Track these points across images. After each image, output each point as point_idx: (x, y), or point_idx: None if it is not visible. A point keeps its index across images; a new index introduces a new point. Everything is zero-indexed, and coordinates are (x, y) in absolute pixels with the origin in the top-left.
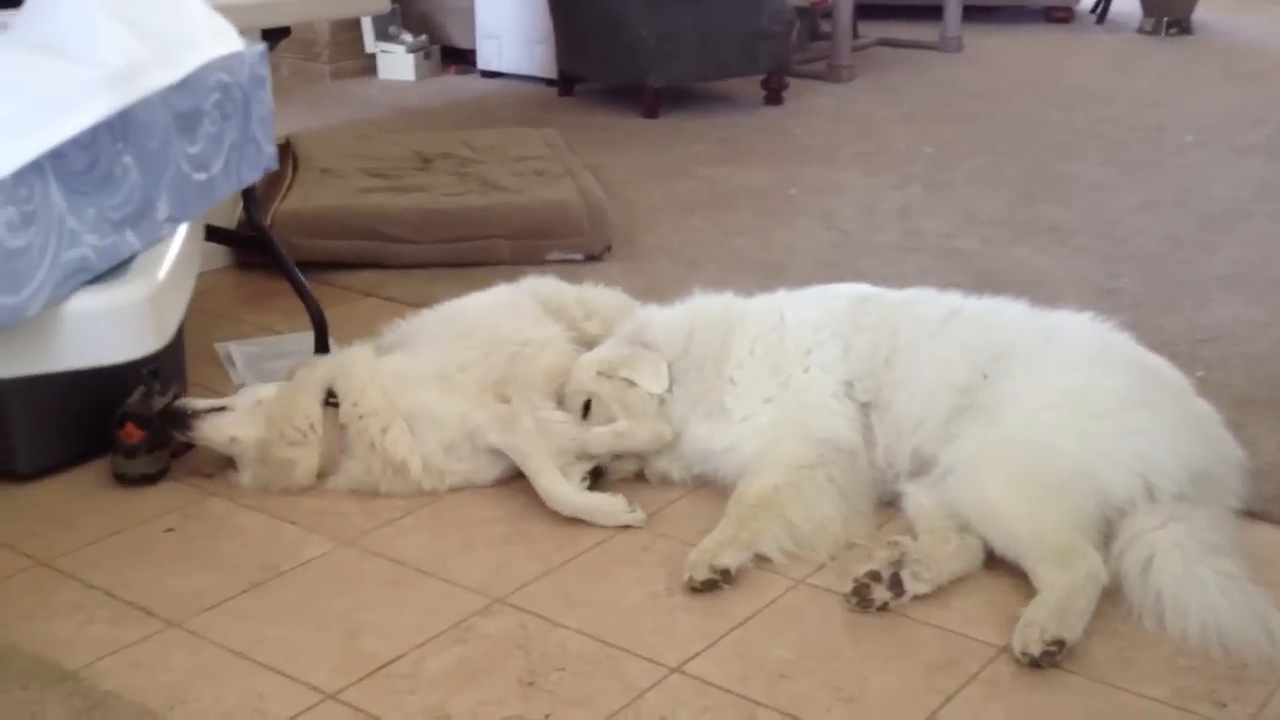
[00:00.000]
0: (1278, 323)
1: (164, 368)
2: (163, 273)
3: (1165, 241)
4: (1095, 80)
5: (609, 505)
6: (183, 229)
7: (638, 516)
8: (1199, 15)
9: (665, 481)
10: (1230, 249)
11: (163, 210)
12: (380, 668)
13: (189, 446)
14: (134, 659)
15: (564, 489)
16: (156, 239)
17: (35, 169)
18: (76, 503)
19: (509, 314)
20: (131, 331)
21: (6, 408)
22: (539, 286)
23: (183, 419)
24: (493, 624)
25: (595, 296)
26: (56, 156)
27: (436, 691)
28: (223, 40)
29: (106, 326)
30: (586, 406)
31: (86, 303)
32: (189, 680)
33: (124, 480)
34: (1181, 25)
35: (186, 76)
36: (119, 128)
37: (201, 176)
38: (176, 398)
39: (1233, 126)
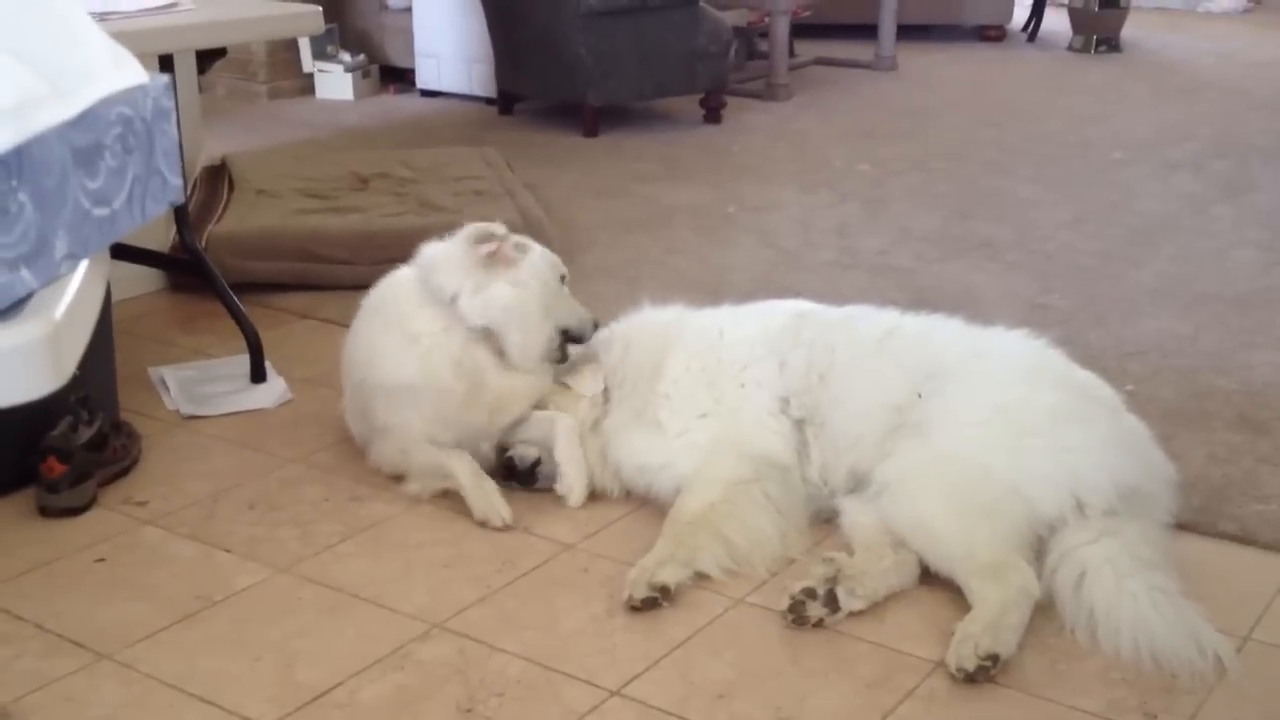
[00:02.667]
0: (1205, 336)
1: (93, 395)
2: (60, 312)
3: (1094, 257)
4: (1026, 98)
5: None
6: (83, 265)
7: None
8: (1128, 33)
9: (601, 493)
10: (1157, 263)
11: (61, 248)
12: (316, 698)
13: (120, 474)
14: (64, 693)
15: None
16: (55, 277)
17: None
18: (5, 532)
19: None
20: (27, 371)
21: None
22: None
23: None
24: (431, 650)
25: None
26: None
27: None
28: (124, 72)
29: (1, 367)
30: None
31: None
32: (119, 714)
33: (47, 513)
34: (1110, 43)
35: (85, 111)
36: (13, 164)
37: (103, 212)
38: (103, 426)
39: (1160, 143)
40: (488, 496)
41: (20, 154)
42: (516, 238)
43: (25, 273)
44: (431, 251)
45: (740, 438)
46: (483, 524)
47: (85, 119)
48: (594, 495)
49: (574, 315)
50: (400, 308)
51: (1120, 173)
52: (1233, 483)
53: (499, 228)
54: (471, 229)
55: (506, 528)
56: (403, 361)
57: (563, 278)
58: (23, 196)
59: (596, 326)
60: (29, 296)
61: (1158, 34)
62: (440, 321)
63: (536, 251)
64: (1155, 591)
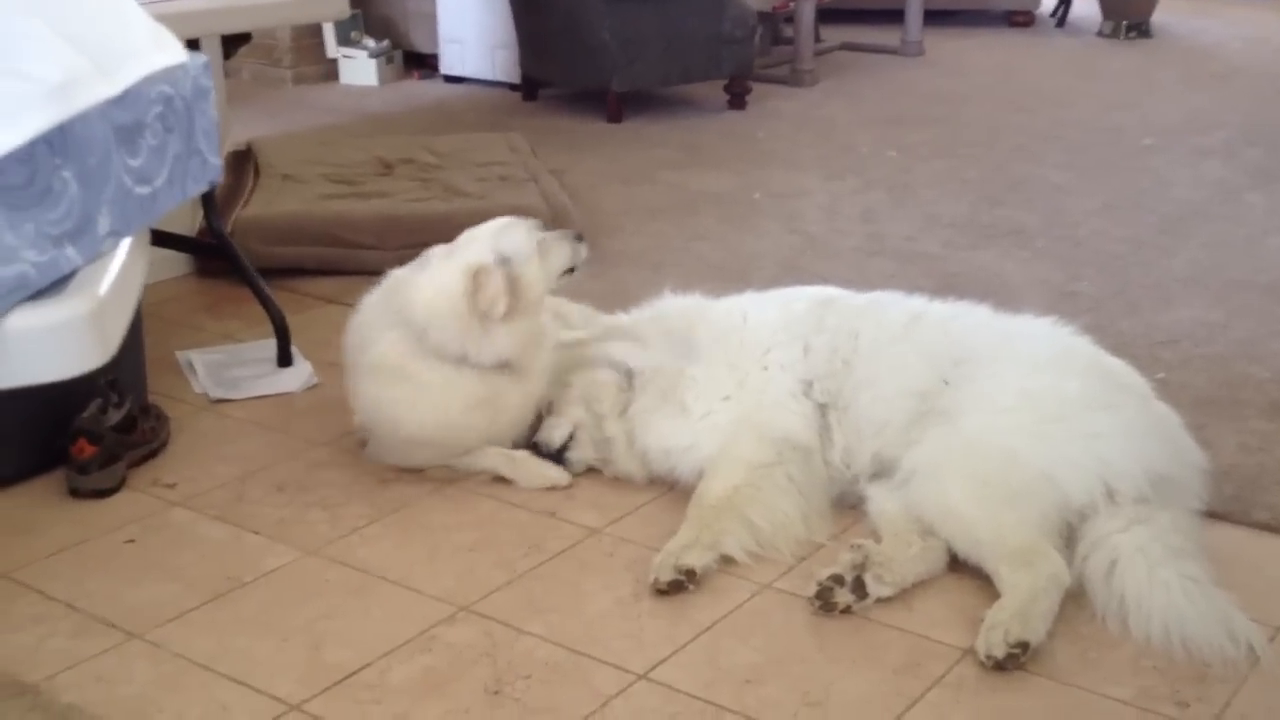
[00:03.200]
0: (1236, 324)
1: (122, 378)
2: (104, 288)
3: (1125, 244)
4: (1055, 84)
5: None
6: (126, 243)
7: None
8: (1158, 18)
9: (625, 479)
10: (1189, 251)
11: (104, 225)
12: (345, 678)
13: (149, 456)
14: (95, 671)
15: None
16: (98, 254)
17: None
18: (37, 513)
19: None
20: (73, 347)
21: None
22: None
23: None
24: (458, 632)
25: (564, 307)
26: None
27: (401, 701)
28: (165, 51)
29: (47, 343)
30: None
31: (26, 320)
32: (150, 692)
33: (77, 495)
34: (1141, 29)
35: (127, 89)
36: (57, 142)
37: (144, 190)
38: (132, 409)
39: (1191, 129)
40: (530, 470)
41: (64, 132)
42: (499, 246)
43: (70, 250)
44: (419, 306)
45: (761, 420)
46: (552, 489)
47: (127, 97)
48: (618, 481)
49: (563, 261)
50: (401, 364)
51: (1151, 159)
52: (1266, 471)
53: (488, 268)
54: (465, 280)
55: (570, 485)
56: (420, 417)
57: (542, 229)
58: (67, 174)
59: (580, 239)
60: (73, 274)
61: (1188, 19)
62: (448, 367)
63: (526, 272)
64: (1187, 580)
